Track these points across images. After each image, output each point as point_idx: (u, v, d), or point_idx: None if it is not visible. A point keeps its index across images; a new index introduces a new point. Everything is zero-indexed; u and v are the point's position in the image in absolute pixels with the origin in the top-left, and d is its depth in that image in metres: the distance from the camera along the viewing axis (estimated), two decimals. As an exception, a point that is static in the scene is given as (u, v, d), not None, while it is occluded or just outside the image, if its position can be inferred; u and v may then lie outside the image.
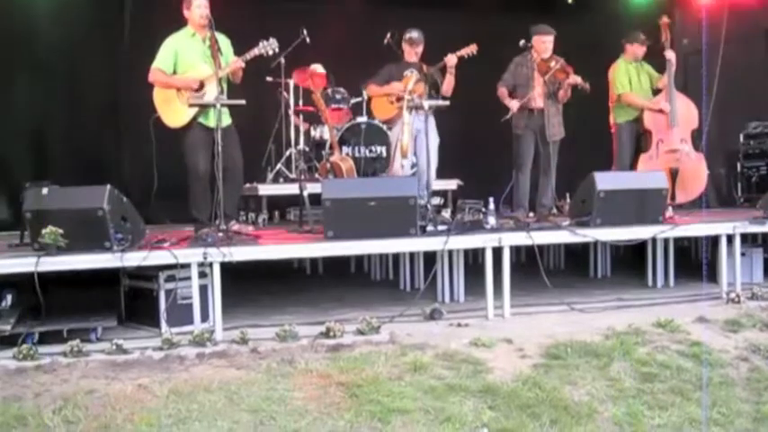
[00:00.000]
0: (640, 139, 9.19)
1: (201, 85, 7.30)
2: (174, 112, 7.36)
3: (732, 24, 10.29)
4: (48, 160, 9.82)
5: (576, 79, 8.39)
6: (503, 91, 8.62)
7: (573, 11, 11.74)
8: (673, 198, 7.93)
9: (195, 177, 7.39)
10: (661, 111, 8.97)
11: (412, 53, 8.49)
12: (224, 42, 7.48)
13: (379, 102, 8.71)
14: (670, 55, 9.01)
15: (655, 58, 9.18)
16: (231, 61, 7.37)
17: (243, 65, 7.39)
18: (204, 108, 7.27)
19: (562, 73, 8.42)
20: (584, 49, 8.50)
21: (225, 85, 7.47)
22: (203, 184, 7.35)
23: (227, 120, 7.44)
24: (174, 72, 7.42)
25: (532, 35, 8.58)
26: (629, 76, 9.20)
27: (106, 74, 10.30)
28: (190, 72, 7.35)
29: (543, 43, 8.54)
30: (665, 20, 9.11)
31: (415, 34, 8.50)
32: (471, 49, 8.13)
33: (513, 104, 8.47)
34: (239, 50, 7.47)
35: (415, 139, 8.31)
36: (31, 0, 9.71)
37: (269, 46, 7.37)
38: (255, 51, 7.36)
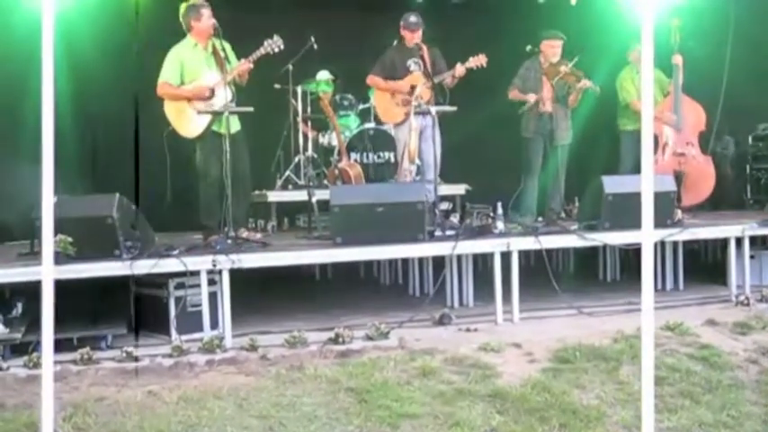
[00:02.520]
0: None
1: (212, 93, 7.34)
2: (188, 122, 7.41)
3: (741, 24, 10.27)
4: (57, 169, 9.84)
5: (586, 83, 8.39)
6: (515, 92, 8.64)
7: (579, 14, 11.73)
8: (679, 200, 7.92)
9: (207, 184, 7.44)
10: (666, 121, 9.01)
11: (412, 38, 8.46)
12: (226, 47, 7.52)
13: (385, 105, 8.72)
14: (677, 60, 8.99)
15: (664, 61, 9.15)
16: (239, 63, 7.40)
17: (251, 66, 7.41)
18: (216, 115, 7.30)
19: (572, 77, 8.42)
20: (591, 52, 8.48)
21: (233, 90, 7.50)
22: (214, 190, 7.38)
23: (236, 126, 7.49)
24: (182, 83, 7.46)
25: (541, 40, 8.59)
26: (634, 85, 9.23)
27: (116, 85, 10.33)
28: (197, 81, 7.39)
29: (552, 48, 8.57)
30: (675, 21, 9.06)
31: (413, 18, 8.49)
32: (480, 61, 8.13)
33: (531, 96, 8.47)
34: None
35: (419, 136, 8.29)
36: (41, 14, 9.74)
37: (274, 44, 7.39)
38: (261, 51, 7.38)
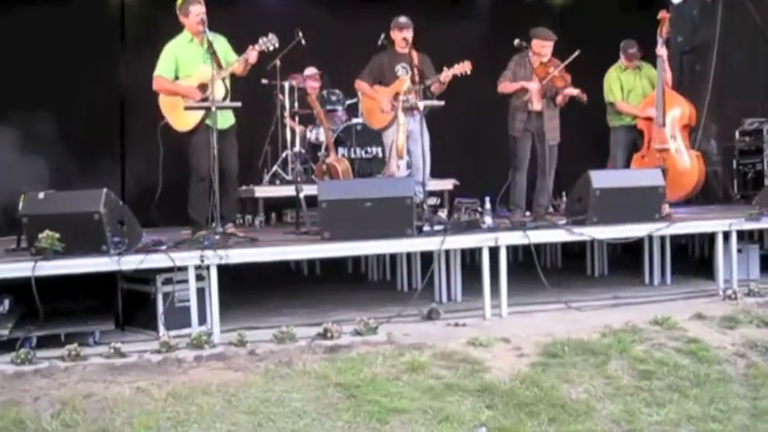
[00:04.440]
0: (636, 142, 9.22)
1: (204, 89, 7.32)
2: (182, 116, 7.40)
3: (727, 21, 10.30)
4: (45, 165, 9.82)
5: (572, 91, 8.31)
6: (506, 84, 8.52)
7: (569, 11, 11.77)
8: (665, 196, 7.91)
9: (197, 178, 7.45)
10: (649, 117, 9.00)
11: (401, 40, 8.38)
12: (220, 41, 7.51)
13: (371, 110, 8.68)
14: (661, 51, 8.93)
15: (651, 55, 9.13)
16: (237, 61, 7.37)
17: (245, 67, 7.41)
18: (206, 111, 7.27)
19: (561, 80, 8.37)
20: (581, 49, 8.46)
21: (227, 85, 7.51)
22: (204, 185, 7.37)
23: (230, 121, 7.52)
24: (177, 78, 7.47)
25: (532, 38, 8.49)
26: (620, 83, 9.22)
27: (104, 79, 10.32)
28: (193, 75, 7.39)
29: (543, 47, 8.46)
30: (663, 14, 8.99)
31: (403, 19, 8.41)
32: (465, 68, 8.05)
33: (532, 86, 8.40)
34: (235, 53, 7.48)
35: (407, 139, 8.28)
36: (30, 7, 9.72)
37: (269, 42, 7.37)
38: (257, 49, 7.35)
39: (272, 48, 7.43)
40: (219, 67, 7.31)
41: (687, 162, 9.03)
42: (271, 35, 7.38)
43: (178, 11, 7.49)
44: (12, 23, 9.71)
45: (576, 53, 8.21)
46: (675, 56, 9.29)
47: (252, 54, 7.32)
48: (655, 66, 9.11)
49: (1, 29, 9.59)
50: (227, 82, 7.51)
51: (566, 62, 8.35)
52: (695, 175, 9.06)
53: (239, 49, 7.48)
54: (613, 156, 9.33)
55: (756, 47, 10.82)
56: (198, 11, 7.38)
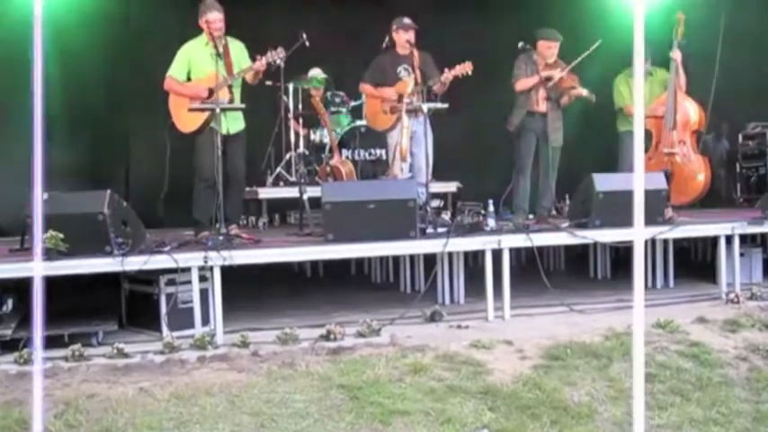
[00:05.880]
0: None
1: (211, 93, 7.35)
2: (186, 117, 7.45)
3: (730, 25, 10.29)
4: (49, 165, 9.81)
5: (581, 92, 8.27)
6: (523, 81, 8.43)
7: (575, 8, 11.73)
8: (668, 199, 7.90)
9: (200, 179, 7.47)
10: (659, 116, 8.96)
11: (404, 41, 8.40)
12: (237, 47, 7.56)
13: (374, 112, 8.68)
14: (675, 55, 8.87)
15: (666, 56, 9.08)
16: (244, 70, 7.42)
17: (255, 75, 7.46)
18: (212, 113, 7.29)
19: (566, 81, 8.34)
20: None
21: (238, 91, 7.54)
22: (208, 186, 7.38)
23: (238, 125, 7.60)
24: (189, 79, 7.52)
25: (537, 39, 8.44)
26: (629, 88, 9.16)
27: (108, 79, 10.32)
28: (203, 78, 7.42)
29: (549, 49, 8.40)
30: (680, 15, 8.92)
31: (407, 20, 8.42)
32: (466, 68, 8.04)
33: (555, 74, 8.31)
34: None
35: (410, 140, 8.27)
36: (32, 4, 9.71)
37: (276, 55, 7.42)
38: (264, 61, 7.39)
39: (278, 61, 7.48)
40: (231, 72, 7.36)
41: (694, 167, 8.97)
42: (279, 48, 7.43)
43: (198, 13, 7.53)
44: (13, 22, 9.70)
45: (580, 58, 8.20)
46: (684, 58, 9.21)
47: (258, 65, 7.36)
48: (669, 69, 9.05)
49: (3, 27, 9.58)
50: (238, 90, 7.55)
51: (572, 64, 8.32)
52: (702, 181, 8.99)
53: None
54: (622, 162, 9.25)
55: (760, 50, 10.82)
56: (214, 17, 7.41)
